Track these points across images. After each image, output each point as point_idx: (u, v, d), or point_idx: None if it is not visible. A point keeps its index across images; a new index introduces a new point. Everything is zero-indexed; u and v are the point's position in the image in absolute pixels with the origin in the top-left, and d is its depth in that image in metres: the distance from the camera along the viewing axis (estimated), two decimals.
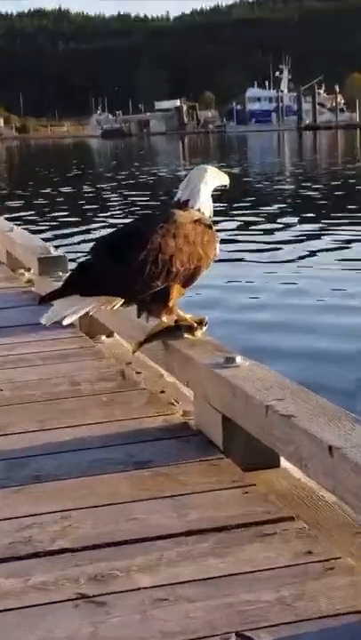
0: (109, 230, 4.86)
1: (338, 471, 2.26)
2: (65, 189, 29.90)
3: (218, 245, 3.49)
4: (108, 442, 3.19)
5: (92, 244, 3.54)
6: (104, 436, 3.25)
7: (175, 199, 3.54)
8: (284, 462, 2.90)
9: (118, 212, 21.08)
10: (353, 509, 2.33)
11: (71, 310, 3.36)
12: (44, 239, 8.20)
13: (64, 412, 3.57)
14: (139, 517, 2.52)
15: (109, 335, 5.01)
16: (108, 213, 20.93)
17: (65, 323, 3.45)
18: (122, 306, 3.42)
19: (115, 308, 3.43)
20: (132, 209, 21.53)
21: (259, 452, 2.93)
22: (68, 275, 3.61)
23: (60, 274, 5.85)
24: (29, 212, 22.13)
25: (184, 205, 3.46)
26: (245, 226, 17.01)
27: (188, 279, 3.40)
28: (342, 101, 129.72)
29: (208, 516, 2.50)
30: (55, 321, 3.43)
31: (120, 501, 2.65)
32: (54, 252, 6.35)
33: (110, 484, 2.79)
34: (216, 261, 3.56)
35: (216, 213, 3.67)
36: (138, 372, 4.30)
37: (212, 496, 2.65)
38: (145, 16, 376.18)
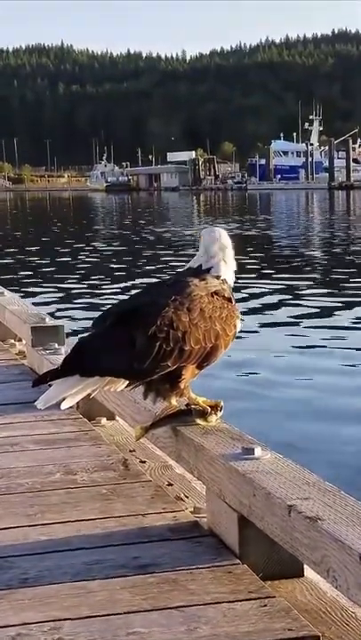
0: (113, 297, 4.89)
1: None
2: (63, 250, 30.21)
3: (239, 322, 3.49)
4: (107, 541, 3.18)
5: (92, 313, 3.56)
6: (102, 535, 3.24)
7: (192, 266, 3.55)
8: (308, 571, 2.89)
9: (123, 278, 21.24)
10: None
11: (70, 392, 3.36)
12: (37, 305, 8.26)
13: (56, 506, 3.57)
14: (140, 631, 2.51)
15: (110, 418, 5.04)
16: (111, 279, 21.09)
17: (63, 406, 3.45)
18: (127, 387, 3.44)
19: (119, 389, 3.44)
20: (140, 273, 21.69)
21: (280, 558, 2.93)
22: (68, 351, 3.57)
23: (56, 346, 5.90)
24: (21, 275, 22.32)
25: (202, 273, 3.47)
26: (267, 297, 17.10)
27: (204, 359, 3.38)
28: None
29: (221, 632, 2.49)
30: (52, 404, 3.43)
31: (119, 611, 2.63)
32: (49, 321, 6.40)
33: (108, 590, 2.78)
34: (237, 338, 3.56)
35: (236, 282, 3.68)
36: (142, 462, 4.31)
37: (225, 608, 2.63)
38: (158, 56, 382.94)
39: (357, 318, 14.57)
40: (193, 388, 3.52)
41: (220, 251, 3.51)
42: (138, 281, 19.47)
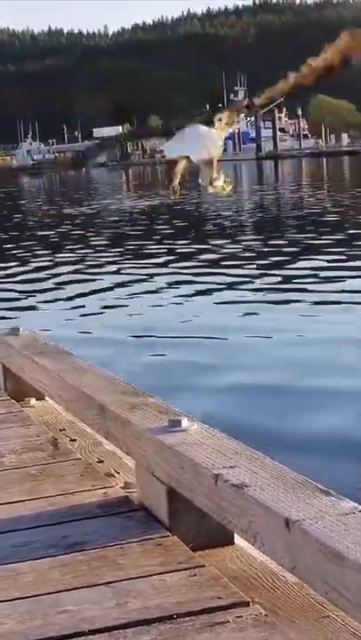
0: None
1: (297, 548, 2.27)
2: None
3: None
4: (36, 522, 3.17)
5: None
6: (31, 516, 3.23)
7: None
8: (238, 539, 2.91)
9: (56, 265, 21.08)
10: (316, 590, 2.33)
11: None
12: None
13: None
14: (70, 609, 2.51)
15: (40, 398, 5.01)
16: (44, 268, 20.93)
17: None
18: None
19: None
20: (80, 259, 21.57)
21: (209, 528, 2.94)
22: None
23: None
24: None
25: None
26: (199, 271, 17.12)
27: None
28: (306, 127, 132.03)
29: (151, 605, 2.49)
30: None
31: (49, 591, 2.63)
32: None
33: (38, 571, 2.77)
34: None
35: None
36: (72, 440, 4.30)
37: (155, 580, 2.64)
38: (79, 32, 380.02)
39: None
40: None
41: None
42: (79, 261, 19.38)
